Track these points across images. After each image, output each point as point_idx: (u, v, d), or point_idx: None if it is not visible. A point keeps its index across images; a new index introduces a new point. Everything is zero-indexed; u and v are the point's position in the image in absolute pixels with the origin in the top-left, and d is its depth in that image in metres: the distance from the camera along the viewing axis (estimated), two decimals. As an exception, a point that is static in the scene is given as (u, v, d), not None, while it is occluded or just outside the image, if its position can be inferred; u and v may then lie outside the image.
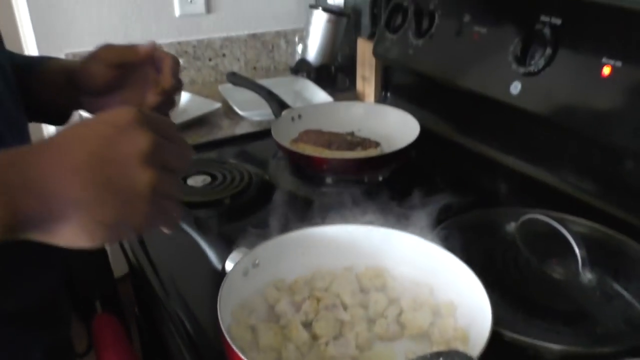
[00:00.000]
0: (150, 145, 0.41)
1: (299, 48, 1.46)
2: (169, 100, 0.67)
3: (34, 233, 0.40)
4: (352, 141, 0.98)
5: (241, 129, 1.15)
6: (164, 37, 1.39)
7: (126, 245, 0.79)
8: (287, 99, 1.11)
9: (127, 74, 0.66)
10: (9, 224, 0.38)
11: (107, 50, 0.66)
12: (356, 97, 1.31)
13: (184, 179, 0.89)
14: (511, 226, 0.72)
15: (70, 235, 0.40)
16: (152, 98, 0.65)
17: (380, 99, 1.23)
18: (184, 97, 1.21)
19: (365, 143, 0.98)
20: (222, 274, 0.58)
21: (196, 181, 0.89)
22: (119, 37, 1.34)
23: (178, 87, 0.67)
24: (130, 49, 0.66)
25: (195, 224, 0.62)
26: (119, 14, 1.33)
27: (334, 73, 1.40)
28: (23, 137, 0.63)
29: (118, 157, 0.40)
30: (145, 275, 0.71)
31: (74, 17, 1.30)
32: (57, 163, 0.39)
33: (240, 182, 0.88)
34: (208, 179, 0.90)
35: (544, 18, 0.80)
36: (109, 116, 0.42)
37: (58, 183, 0.39)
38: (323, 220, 0.68)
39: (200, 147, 1.03)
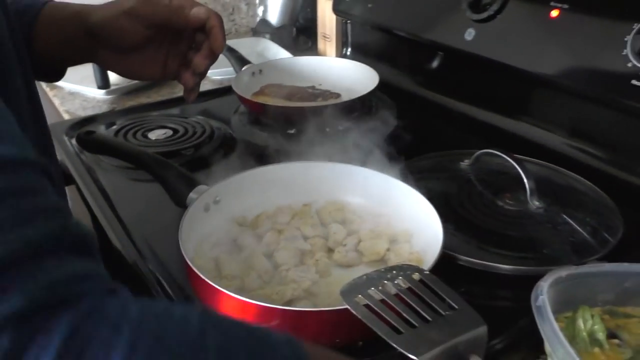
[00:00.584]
0: None
1: (260, 10, 1.45)
2: (214, 61, 0.65)
3: None
4: (313, 93, 1.00)
5: (203, 88, 1.15)
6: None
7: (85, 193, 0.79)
8: (250, 60, 1.11)
9: (164, 33, 0.62)
10: None
11: (146, 7, 0.60)
12: (318, 56, 1.32)
13: (145, 133, 0.90)
14: (465, 164, 0.75)
15: None
16: (201, 62, 0.63)
17: (341, 55, 1.24)
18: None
19: (326, 94, 0.99)
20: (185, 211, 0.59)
21: (157, 135, 0.89)
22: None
23: (224, 48, 0.64)
24: (177, 12, 0.60)
25: (156, 164, 0.63)
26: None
27: (295, 34, 1.41)
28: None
29: None
30: (109, 224, 0.72)
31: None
32: None
33: (202, 134, 0.89)
34: (170, 132, 0.90)
35: (495, -36, 0.82)
36: None
37: None
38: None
39: (162, 104, 1.03)
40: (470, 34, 0.85)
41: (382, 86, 0.96)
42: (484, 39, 0.83)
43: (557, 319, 0.41)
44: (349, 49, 1.22)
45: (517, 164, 0.66)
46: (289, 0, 1.39)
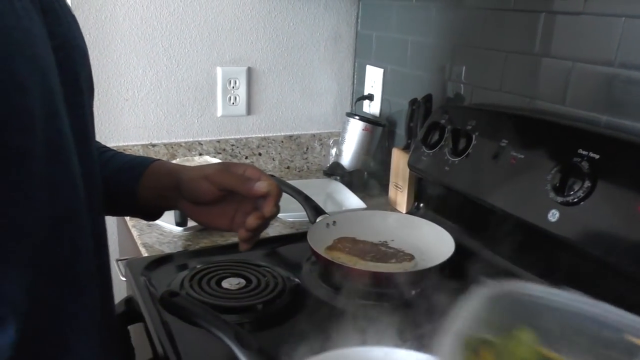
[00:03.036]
0: None
1: (333, 152, 1.52)
2: (266, 224, 0.76)
3: None
4: (386, 252, 1.00)
5: (274, 230, 1.18)
6: (205, 135, 1.46)
7: (152, 333, 0.80)
8: (318, 200, 1.15)
9: (234, 195, 0.75)
10: None
11: (222, 175, 0.74)
12: (388, 204, 1.35)
13: (219, 281, 0.91)
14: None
15: None
16: (252, 222, 0.73)
17: (413, 208, 1.26)
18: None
19: (399, 255, 0.99)
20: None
21: (231, 284, 0.90)
22: (162, 133, 1.41)
23: (276, 214, 0.75)
24: (245, 183, 0.73)
25: (235, 338, 0.63)
26: (164, 112, 1.41)
27: (366, 178, 1.45)
28: None
29: None
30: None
31: (122, 113, 1.37)
32: None
33: (274, 288, 0.89)
34: (243, 282, 0.91)
35: (582, 151, 0.83)
36: None
37: None
38: (358, 337, 0.69)
39: (235, 247, 1.05)
40: (554, 215, 0.85)
41: (456, 247, 0.96)
42: (569, 222, 0.83)
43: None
44: (421, 204, 1.24)
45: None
46: (363, 147, 1.44)
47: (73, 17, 0.59)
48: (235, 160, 1.50)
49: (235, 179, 0.74)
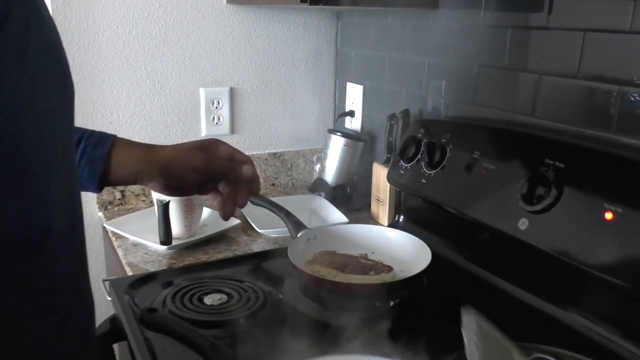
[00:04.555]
0: None
1: (317, 168, 1.54)
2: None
3: None
4: (366, 264, 1.02)
5: (258, 246, 1.20)
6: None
7: (135, 350, 0.81)
8: (303, 216, 1.17)
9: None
10: None
11: (209, 165, 0.77)
12: (370, 217, 1.37)
13: (201, 297, 0.93)
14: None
15: None
16: (243, 200, 0.82)
17: (394, 221, 1.28)
18: (205, 212, 1.27)
19: (378, 267, 1.01)
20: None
21: (213, 300, 0.92)
22: (148, 153, 1.43)
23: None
24: (233, 170, 0.79)
25: (212, 350, 0.64)
26: (149, 134, 1.43)
27: (349, 193, 1.47)
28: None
29: None
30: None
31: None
32: None
33: (255, 302, 0.91)
34: (225, 297, 0.93)
35: (548, 161, 0.86)
36: None
37: None
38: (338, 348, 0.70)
39: (217, 265, 1.08)
40: (524, 223, 0.87)
41: (433, 259, 0.98)
42: (537, 230, 0.86)
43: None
44: (402, 217, 1.26)
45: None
46: (345, 162, 1.46)
47: None
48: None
49: (223, 167, 0.79)
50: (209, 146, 0.81)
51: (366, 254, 1.07)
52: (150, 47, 1.40)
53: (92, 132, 0.79)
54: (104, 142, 0.77)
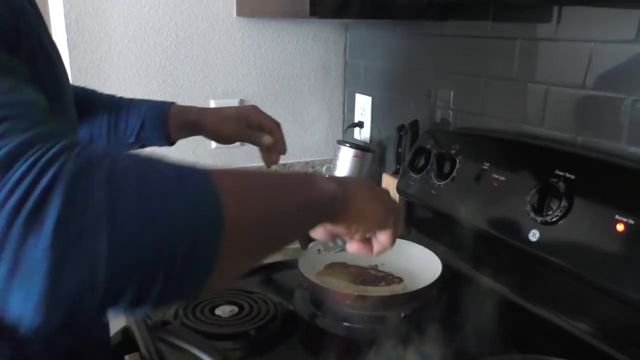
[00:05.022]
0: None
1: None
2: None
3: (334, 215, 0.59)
4: (376, 276, 1.02)
5: (268, 260, 1.20)
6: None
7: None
8: (313, 229, 1.17)
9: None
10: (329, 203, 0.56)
11: (237, 134, 0.98)
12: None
13: (213, 308, 0.93)
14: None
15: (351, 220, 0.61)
16: (275, 158, 1.00)
17: (404, 232, 1.28)
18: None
19: (388, 278, 1.01)
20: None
21: (224, 311, 0.92)
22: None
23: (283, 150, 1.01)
24: (256, 139, 0.98)
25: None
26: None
27: (358, 203, 1.47)
28: None
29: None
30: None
31: (119, 145, 1.41)
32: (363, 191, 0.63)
33: (265, 314, 0.91)
34: (236, 309, 0.93)
35: (558, 172, 0.86)
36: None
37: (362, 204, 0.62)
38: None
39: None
40: (534, 234, 0.87)
41: (443, 269, 0.98)
42: (548, 241, 0.85)
43: None
44: (411, 228, 1.26)
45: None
46: (354, 173, 1.46)
47: None
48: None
49: (247, 137, 0.98)
50: (243, 115, 0.97)
51: (376, 265, 1.07)
52: (162, 60, 1.41)
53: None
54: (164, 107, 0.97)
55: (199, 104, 1.46)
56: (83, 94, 0.94)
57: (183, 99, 1.44)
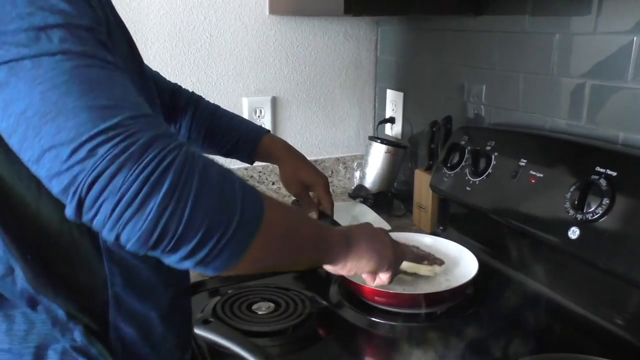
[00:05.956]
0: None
1: (357, 174, 1.53)
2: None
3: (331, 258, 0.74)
4: (419, 253, 0.99)
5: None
6: (233, 163, 1.47)
7: None
8: (344, 222, 1.16)
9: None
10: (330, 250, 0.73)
11: (297, 197, 1.11)
12: (412, 224, 1.36)
13: (250, 305, 0.93)
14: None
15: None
16: (315, 214, 1.09)
17: (436, 228, 1.27)
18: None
19: (430, 257, 0.98)
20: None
21: (261, 308, 0.92)
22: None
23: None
24: (328, 200, 1.11)
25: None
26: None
27: (390, 199, 1.46)
28: None
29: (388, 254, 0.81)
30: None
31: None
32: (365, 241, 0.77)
33: (302, 310, 0.91)
34: (272, 306, 0.93)
35: (599, 169, 0.84)
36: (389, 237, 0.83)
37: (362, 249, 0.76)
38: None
39: (265, 273, 1.08)
40: (574, 232, 0.85)
41: (479, 266, 0.97)
42: (589, 240, 0.83)
43: None
44: (445, 223, 1.24)
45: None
46: (386, 169, 1.45)
47: None
48: (262, 187, 1.54)
49: (304, 201, 1.10)
50: (310, 185, 1.08)
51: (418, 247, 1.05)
52: (196, 59, 1.42)
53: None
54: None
55: (232, 101, 1.47)
56: (187, 96, 1.10)
57: (216, 97, 1.45)
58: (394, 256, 0.81)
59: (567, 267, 0.92)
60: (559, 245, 0.87)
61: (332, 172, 1.62)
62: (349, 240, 0.74)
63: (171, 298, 0.71)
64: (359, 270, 0.78)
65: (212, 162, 0.54)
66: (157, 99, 0.74)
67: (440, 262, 0.98)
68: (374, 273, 0.82)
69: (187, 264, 0.52)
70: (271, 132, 1.52)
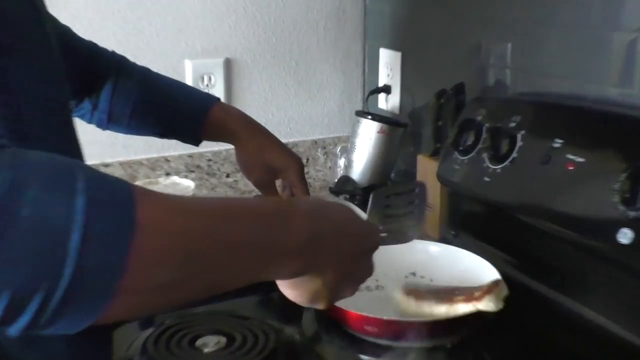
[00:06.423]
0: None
1: (342, 162, 1.53)
2: None
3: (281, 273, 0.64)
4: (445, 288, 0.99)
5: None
6: (172, 149, 1.47)
7: None
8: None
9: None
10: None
11: (260, 185, 1.10)
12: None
13: (193, 340, 0.92)
14: None
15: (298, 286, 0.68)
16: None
17: (446, 231, 1.27)
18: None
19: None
20: None
21: (208, 344, 0.91)
22: (117, 149, 1.45)
23: None
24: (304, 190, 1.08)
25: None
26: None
27: (385, 196, 1.45)
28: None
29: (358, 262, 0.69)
30: None
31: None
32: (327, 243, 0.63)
33: (264, 346, 0.90)
34: (224, 340, 0.92)
35: (657, 152, 0.84)
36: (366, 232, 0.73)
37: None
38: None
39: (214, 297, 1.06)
40: (625, 235, 0.85)
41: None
42: None
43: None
44: (457, 225, 1.25)
45: None
46: (380, 154, 1.44)
47: None
48: (213, 180, 1.52)
49: (269, 191, 1.09)
50: (278, 169, 1.08)
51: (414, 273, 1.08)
52: (121, 9, 1.40)
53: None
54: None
55: (170, 64, 1.45)
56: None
57: (150, 59, 1.43)
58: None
59: (617, 281, 0.92)
60: (605, 251, 0.88)
61: (307, 159, 1.61)
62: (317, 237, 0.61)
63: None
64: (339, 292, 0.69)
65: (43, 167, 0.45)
66: (62, 71, 0.70)
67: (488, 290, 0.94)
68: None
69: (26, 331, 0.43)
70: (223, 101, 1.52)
